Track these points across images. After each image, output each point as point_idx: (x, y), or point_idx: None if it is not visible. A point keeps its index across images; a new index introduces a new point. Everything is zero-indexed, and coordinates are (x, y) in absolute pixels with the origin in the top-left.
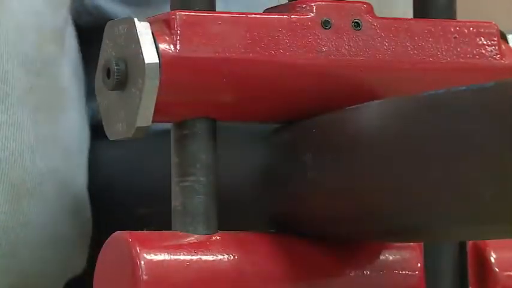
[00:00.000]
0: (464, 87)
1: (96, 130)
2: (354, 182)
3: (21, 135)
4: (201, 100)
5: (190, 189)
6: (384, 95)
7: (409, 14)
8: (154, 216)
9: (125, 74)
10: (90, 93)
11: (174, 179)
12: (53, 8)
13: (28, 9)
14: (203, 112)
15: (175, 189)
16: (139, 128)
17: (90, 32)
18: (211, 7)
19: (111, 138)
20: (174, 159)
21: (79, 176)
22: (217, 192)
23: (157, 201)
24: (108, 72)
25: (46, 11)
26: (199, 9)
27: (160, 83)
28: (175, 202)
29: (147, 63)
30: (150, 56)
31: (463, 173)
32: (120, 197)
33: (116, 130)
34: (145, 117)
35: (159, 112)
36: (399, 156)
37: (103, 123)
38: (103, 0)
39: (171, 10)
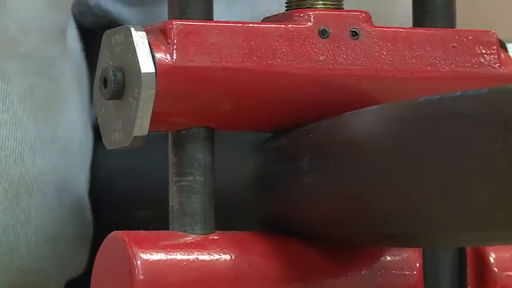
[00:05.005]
0: (459, 93)
1: (97, 132)
2: (350, 188)
3: (22, 134)
4: (198, 110)
5: (188, 189)
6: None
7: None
8: (154, 218)
9: (122, 83)
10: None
11: (172, 179)
12: (54, 8)
13: (29, 10)
14: (200, 121)
15: (172, 189)
16: (136, 138)
17: (95, 33)
18: (209, 16)
19: (108, 148)
20: (171, 159)
21: (80, 177)
22: (215, 192)
23: (157, 204)
24: (105, 82)
25: (47, 12)
26: (197, 19)
27: (156, 92)
28: (173, 202)
29: (143, 73)
30: (146, 65)
31: (458, 178)
32: (120, 199)
33: (113, 139)
34: (141, 126)
35: (156, 121)
36: (395, 162)
37: (100, 132)
38: (108, 1)
39: (169, 19)
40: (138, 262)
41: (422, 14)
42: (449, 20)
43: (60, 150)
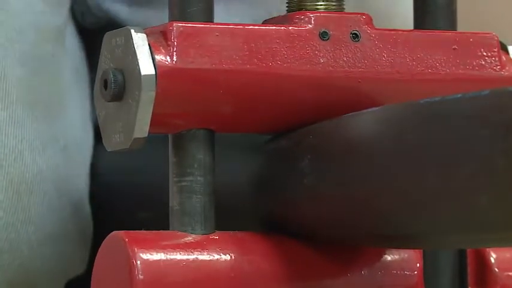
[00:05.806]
0: (459, 95)
1: (98, 132)
2: (350, 189)
3: (21, 133)
4: (198, 112)
5: (188, 189)
6: None
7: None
8: (155, 219)
9: (123, 85)
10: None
11: (172, 179)
12: (53, 7)
13: (28, 8)
14: (200, 123)
15: (173, 189)
16: (136, 139)
17: (95, 33)
18: (209, 17)
19: (108, 149)
20: (172, 159)
21: (80, 176)
22: (215, 193)
23: (158, 204)
24: (105, 84)
25: (46, 10)
26: (197, 19)
27: (156, 94)
28: (173, 202)
29: (143, 75)
30: (146, 67)
31: (459, 180)
32: (120, 199)
33: (113, 141)
34: (141, 128)
35: (156, 123)
36: (395, 163)
37: (101, 134)
38: (107, 1)
39: (169, 19)
40: (138, 262)
41: (423, 13)
42: (450, 19)
43: (60, 148)
